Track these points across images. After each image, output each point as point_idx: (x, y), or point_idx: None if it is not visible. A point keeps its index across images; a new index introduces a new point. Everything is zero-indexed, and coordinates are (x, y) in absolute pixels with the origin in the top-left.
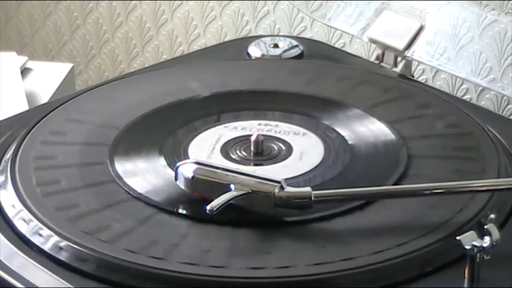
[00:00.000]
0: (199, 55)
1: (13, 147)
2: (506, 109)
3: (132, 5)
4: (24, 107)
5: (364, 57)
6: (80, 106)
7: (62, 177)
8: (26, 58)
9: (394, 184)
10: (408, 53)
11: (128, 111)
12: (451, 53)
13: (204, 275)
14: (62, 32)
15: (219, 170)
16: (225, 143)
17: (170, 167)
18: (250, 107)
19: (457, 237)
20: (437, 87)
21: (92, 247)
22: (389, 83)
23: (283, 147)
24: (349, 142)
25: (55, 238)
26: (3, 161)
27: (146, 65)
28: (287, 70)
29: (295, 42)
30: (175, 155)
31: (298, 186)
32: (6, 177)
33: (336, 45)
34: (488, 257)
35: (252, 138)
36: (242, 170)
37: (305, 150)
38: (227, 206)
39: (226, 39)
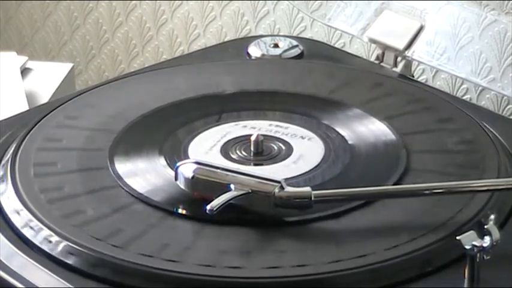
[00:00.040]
0: (199, 55)
1: (13, 148)
2: (506, 109)
3: (132, 5)
4: (24, 107)
5: (364, 57)
6: (80, 106)
7: (62, 176)
8: (26, 58)
9: (394, 184)
10: (408, 53)
11: (128, 111)
12: (451, 53)
13: (204, 274)
14: (62, 32)
15: (219, 170)
16: (225, 143)
17: (170, 167)
18: (250, 107)
19: (457, 237)
20: (437, 87)
21: (92, 247)
22: (389, 83)
23: (283, 147)
24: (349, 142)
25: (55, 238)
26: (3, 161)
27: (146, 65)
28: (287, 70)
29: (295, 42)
30: (175, 155)
31: (298, 186)
32: (6, 178)
33: (336, 45)
34: (488, 257)
35: (252, 138)
36: (242, 170)
37: (305, 150)
38: (227, 206)
39: (226, 39)
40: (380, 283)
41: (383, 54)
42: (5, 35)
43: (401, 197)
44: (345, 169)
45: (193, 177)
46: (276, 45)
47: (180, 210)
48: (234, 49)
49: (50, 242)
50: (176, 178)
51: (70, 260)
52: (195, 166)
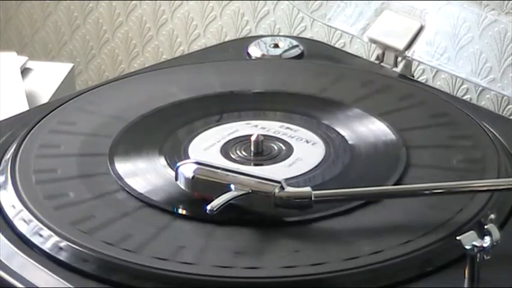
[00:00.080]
0: (199, 55)
1: (13, 147)
2: (506, 109)
3: (132, 5)
4: (24, 107)
5: (364, 57)
6: (80, 106)
7: (62, 177)
8: (26, 58)
9: (394, 184)
10: (408, 53)
11: (128, 111)
12: (451, 53)
13: (203, 274)
14: (62, 32)
15: (219, 170)
16: (225, 143)
17: (170, 167)
18: (250, 107)
19: (457, 237)
20: (437, 87)
21: (91, 247)
22: (389, 83)
23: (283, 148)
24: (349, 142)
25: (55, 238)
26: (3, 161)
27: (146, 65)
28: (287, 70)
29: (295, 42)
30: (175, 155)
31: (298, 186)
32: (6, 178)
33: (336, 45)
34: (488, 257)
35: (252, 138)
36: (242, 170)
37: (305, 150)
38: (227, 206)
39: (226, 39)
40: (380, 283)
41: (383, 54)
42: (5, 35)
43: (401, 197)
44: (345, 169)
45: (193, 177)
46: (276, 45)
47: (180, 211)
48: (234, 49)
49: (51, 242)
50: (176, 178)
51: (61, 256)
52: (195, 166)
